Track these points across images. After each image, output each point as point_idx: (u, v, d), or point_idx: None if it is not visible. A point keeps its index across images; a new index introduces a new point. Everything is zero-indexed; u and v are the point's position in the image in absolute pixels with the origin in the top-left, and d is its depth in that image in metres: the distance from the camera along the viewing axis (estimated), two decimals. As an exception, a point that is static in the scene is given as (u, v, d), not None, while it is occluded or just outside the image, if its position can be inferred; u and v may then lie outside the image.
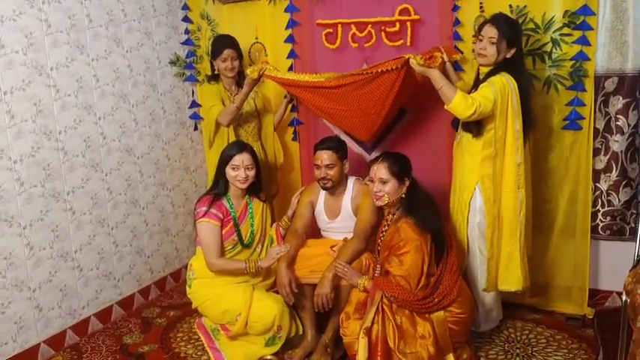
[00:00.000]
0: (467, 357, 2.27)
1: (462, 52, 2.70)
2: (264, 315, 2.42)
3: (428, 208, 2.29)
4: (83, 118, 2.77)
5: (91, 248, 2.84)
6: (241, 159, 2.51)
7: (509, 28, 2.32)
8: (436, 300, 2.17)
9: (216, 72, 2.93)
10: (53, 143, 2.62)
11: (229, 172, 2.52)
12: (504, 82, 2.27)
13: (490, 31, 2.32)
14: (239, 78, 2.92)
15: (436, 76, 2.31)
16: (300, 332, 2.55)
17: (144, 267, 3.19)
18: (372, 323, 2.11)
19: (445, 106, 2.31)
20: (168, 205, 3.34)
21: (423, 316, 2.17)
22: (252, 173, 2.54)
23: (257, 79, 2.68)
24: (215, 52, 2.88)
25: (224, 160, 2.54)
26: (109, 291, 2.96)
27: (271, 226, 2.73)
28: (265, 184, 2.92)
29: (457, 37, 2.71)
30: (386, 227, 2.37)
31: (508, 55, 2.33)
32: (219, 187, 2.56)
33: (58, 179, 2.65)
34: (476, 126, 2.36)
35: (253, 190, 2.63)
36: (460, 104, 2.24)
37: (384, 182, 2.28)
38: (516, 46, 2.34)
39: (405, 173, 2.31)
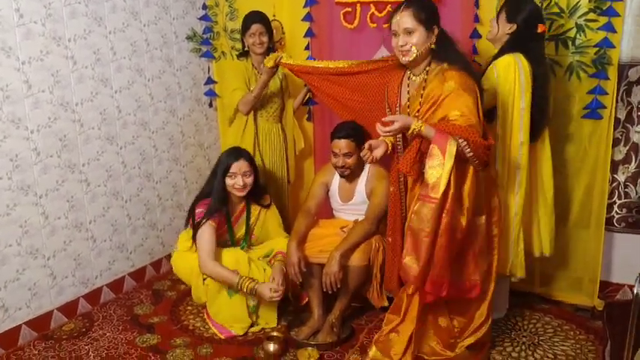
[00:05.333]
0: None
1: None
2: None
3: (465, 58, 2.11)
4: (100, 91, 2.79)
5: (105, 220, 2.88)
6: (238, 166, 2.53)
7: (513, 1, 2.32)
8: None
9: (246, 49, 2.92)
10: (70, 115, 2.64)
11: (227, 181, 2.55)
12: (509, 61, 2.24)
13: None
14: (268, 55, 2.90)
15: None
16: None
17: (156, 240, 3.23)
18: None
19: None
20: (181, 181, 3.37)
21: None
22: (249, 180, 2.55)
23: (273, 67, 2.64)
24: (244, 28, 2.87)
25: (222, 169, 2.56)
26: (121, 262, 3.01)
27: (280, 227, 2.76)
28: (280, 170, 2.99)
29: (477, 19, 2.65)
30: (422, 82, 2.09)
31: (507, 31, 2.31)
32: (219, 196, 2.54)
33: (74, 150, 2.68)
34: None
35: (253, 196, 2.65)
36: None
37: (409, 32, 2.01)
38: (516, 23, 2.29)
39: (433, 20, 2.04)
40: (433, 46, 2.04)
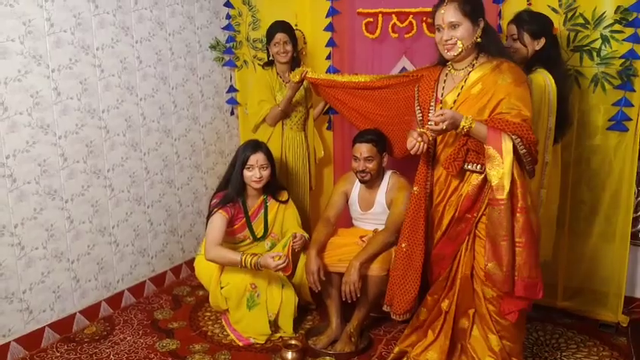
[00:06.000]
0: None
1: None
2: (232, 276, 2.52)
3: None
4: (125, 99, 2.85)
5: (128, 225, 2.93)
6: (256, 159, 2.57)
7: (528, 20, 2.30)
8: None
9: (270, 58, 2.96)
10: (96, 121, 2.70)
11: (245, 173, 2.58)
12: (540, 80, 2.23)
13: (510, 29, 2.35)
14: (293, 64, 2.93)
15: None
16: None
17: (176, 246, 3.27)
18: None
19: None
20: (201, 188, 3.41)
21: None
22: (266, 173, 2.59)
23: (299, 82, 2.69)
24: (269, 37, 2.91)
25: (240, 161, 2.58)
26: (142, 267, 3.05)
27: (299, 224, 2.73)
28: (303, 177, 3.00)
29: (500, 30, 2.64)
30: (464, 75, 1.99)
31: (537, 47, 2.30)
32: (236, 187, 2.58)
33: (100, 156, 2.73)
34: None
35: (270, 190, 2.68)
36: None
37: (454, 26, 1.91)
38: (545, 37, 2.29)
39: (479, 12, 1.94)
40: (479, 39, 1.95)
